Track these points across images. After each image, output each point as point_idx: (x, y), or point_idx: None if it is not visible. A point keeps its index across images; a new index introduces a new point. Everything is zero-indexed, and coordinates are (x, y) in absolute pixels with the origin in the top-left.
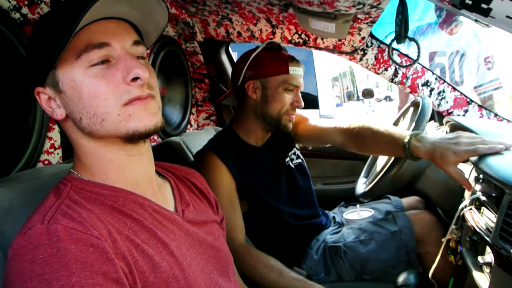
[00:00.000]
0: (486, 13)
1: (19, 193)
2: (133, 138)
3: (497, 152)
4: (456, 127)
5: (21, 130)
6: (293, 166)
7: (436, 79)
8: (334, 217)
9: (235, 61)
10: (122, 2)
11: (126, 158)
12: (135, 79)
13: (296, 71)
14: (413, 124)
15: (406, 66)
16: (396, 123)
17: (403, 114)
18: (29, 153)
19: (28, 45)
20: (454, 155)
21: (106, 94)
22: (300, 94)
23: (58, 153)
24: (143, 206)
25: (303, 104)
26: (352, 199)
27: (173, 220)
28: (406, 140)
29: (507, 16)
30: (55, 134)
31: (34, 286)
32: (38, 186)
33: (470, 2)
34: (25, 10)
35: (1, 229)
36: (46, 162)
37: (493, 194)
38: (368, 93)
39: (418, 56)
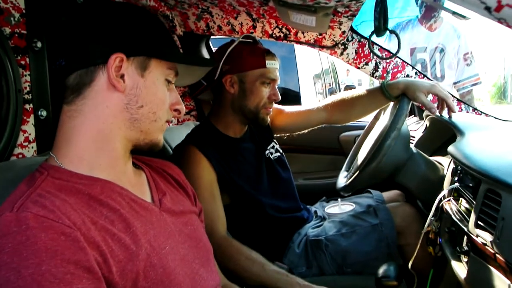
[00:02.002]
0: None
1: None
2: (151, 147)
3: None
4: (435, 120)
5: None
6: (273, 159)
7: (416, 73)
8: (316, 212)
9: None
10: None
11: (122, 159)
12: (176, 110)
13: (272, 64)
14: (393, 118)
15: (386, 59)
16: (377, 117)
17: (384, 109)
18: (2, 146)
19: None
20: (427, 89)
21: (167, 106)
22: (276, 87)
23: (32, 147)
24: (121, 195)
25: (279, 97)
26: (333, 194)
27: (150, 210)
28: (381, 84)
29: None
30: (29, 127)
31: (2, 275)
32: (11, 179)
33: None
34: None
35: None
36: (20, 156)
37: (470, 184)
38: (350, 90)
39: (398, 48)
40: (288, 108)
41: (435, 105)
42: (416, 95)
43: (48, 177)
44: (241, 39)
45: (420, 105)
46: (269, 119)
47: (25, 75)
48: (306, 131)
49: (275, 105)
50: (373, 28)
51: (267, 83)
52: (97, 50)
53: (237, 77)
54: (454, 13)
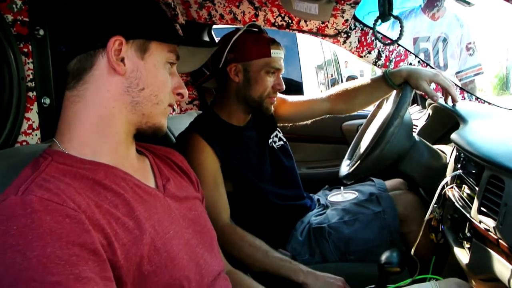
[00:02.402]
0: None
1: None
2: (154, 132)
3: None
4: (438, 109)
5: None
6: (276, 148)
7: (418, 62)
8: (318, 200)
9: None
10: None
11: (124, 143)
12: (179, 94)
13: (277, 53)
14: (396, 106)
15: (389, 44)
16: (379, 106)
17: (386, 98)
18: (6, 134)
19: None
20: (429, 77)
21: (168, 88)
22: (281, 77)
23: (36, 134)
24: (124, 180)
25: (284, 86)
26: (336, 182)
27: (154, 195)
28: (383, 73)
29: None
30: (33, 115)
31: (8, 257)
32: (16, 165)
33: None
34: None
35: None
36: (24, 143)
37: (473, 171)
38: (353, 80)
39: (401, 33)
40: (291, 98)
41: (438, 94)
42: (419, 83)
43: (52, 162)
44: (246, 28)
45: (423, 93)
46: (272, 109)
47: (28, 63)
48: (309, 121)
49: (278, 95)
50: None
51: (272, 72)
52: (95, 34)
53: (242, 66)
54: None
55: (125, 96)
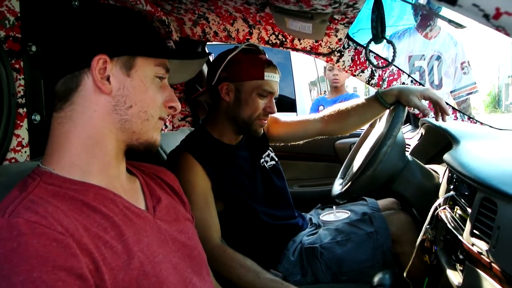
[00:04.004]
0: (453, 2)
1: None
2: (146, 147)
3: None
4: (431, 129)
5: None
6: (267, 168)
7: (411, 81)
8: (310, 219)
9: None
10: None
11: (115, 161)
12: (172, 107)
13: (271, 77)
14: (389, 125)
15: (382, 67)
16: (372, 125)
17: (380, 117)
18: None
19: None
20: (419, 93)
21: (159, 103)
22: (274, 101)
23: (25, 152)
24: (114, 202)
25: (276, 110)
26: (328, 201)
27: (144, 217)
28: (376, 93)
29: (474, 5)
30: (22, 132)
31: None
32: (4, 184)
33: None
34: None
35: None
36: (13, 160)
37: (466, 193)
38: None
39: (394, 57)
40: (284, 118)
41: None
42: (409, 99)
43: (40, 183)
44: (243, 47)
45: (414, 108)
46: (262, 131)
47: (19, 79)
48: (301, 142)
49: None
50: (370, 36)
51: (264, 95)
52: (79, 54)
53: (234, 86)
54: (450, 21)
55: (112, 115)
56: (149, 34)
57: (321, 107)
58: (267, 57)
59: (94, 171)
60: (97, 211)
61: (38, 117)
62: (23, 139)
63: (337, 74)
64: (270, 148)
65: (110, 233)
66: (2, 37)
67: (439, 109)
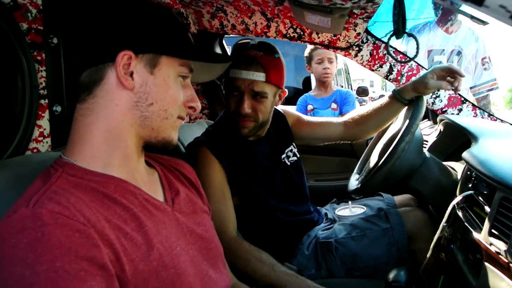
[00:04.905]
0: (480, 2)
1: (7, 180)
2: (164, 145)
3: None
4: (449, 125)
5: (8, 117)
6: (288, 164)
7: None
8: (326, 214)
9: (228, 54)
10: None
11: (135, 154)
12: (191, 107)
13: (235, 73)
14: (407, 121)
15: (403, 62)
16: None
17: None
18: (17, 141)
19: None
20: (430, 74)
21: (179, 102)
22: (246, 99)
23: (47, 142)
24: (134, 194)
25: (245, 111)
26: (344, 196)
27: (162, 209)
28: (392, 92)
29: (501, 6)
30: (44, 122)
31: (17, 270)
32: (27, 173)
33: None
34: None
35: None
36: (35, 150)
37: (485, 192)
38: (362, 92)
39: (417, 52)
40: (306, 118)
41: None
42: (425, 83)
43: (63, 174)
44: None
45: (438, 89)
46: (245, 131)
47: (41, 71)
48: (322, 144)
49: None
50: (386, 29)
51: (231, 92)
52: (105, 48)
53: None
54: (472, 17)
55: (134, 111)
56: (177, 33)
57: (309, 106)
58: (259, 52)
59: (115, 163)
60: (117, 203)
61: (59, 108)
62: (44, 129)
63: (328, 68)
64: (293, 144)
65: (130, 225)
66: (24, 29)
67: (454, 74)
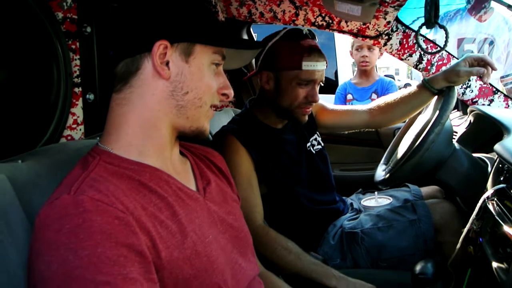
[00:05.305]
0: None
1: (45, 167)
2: (196, 135)
3: None
4: (480, 116)
5: (44, 105)
6: (314, 152)
7: None
8: (351, 204)
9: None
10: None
11: (169, 143)
12: (225, 94)
13: (311, 66)
14: (437, 112)
15: (432, 53)
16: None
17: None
18: (53, 128)
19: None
20: (463, 62)
21: (213, 89)
22: (317, 88)
23: (80, 129)
24: (168, 183)
25: (318, 98)
26: (370, 186)
27: (195, 198)
28: (422, 81)
29: None
30: (78, 110)
31: (61, 254)
32: (63, 160)
33: None
34: None
35: (29, 200)
36: (69, 137)
37: None
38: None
39: (446, 43)
40: (331, 106)
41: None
42: (457, 71)
43: (100, 161)
44: (284, 33)
45: (470, 76)
46: (306, 118)
47: (75, 59)
48: (346, 132)
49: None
50: (413, 16)
51: (304, 84)
52: (141, 38)
53: (273, 74)
54: (509, 6)
55: (169, 100)
56: (209, 21)
57: (349, 96)
58: (314, 40)
59: (150, 152)
60: (152, 191)
61: (92, 96)
62: (78, 117)
63: (366, 56)
64: (317, 132)
65: (165, 213)
66: (60, 18)
67: (486, 64)
